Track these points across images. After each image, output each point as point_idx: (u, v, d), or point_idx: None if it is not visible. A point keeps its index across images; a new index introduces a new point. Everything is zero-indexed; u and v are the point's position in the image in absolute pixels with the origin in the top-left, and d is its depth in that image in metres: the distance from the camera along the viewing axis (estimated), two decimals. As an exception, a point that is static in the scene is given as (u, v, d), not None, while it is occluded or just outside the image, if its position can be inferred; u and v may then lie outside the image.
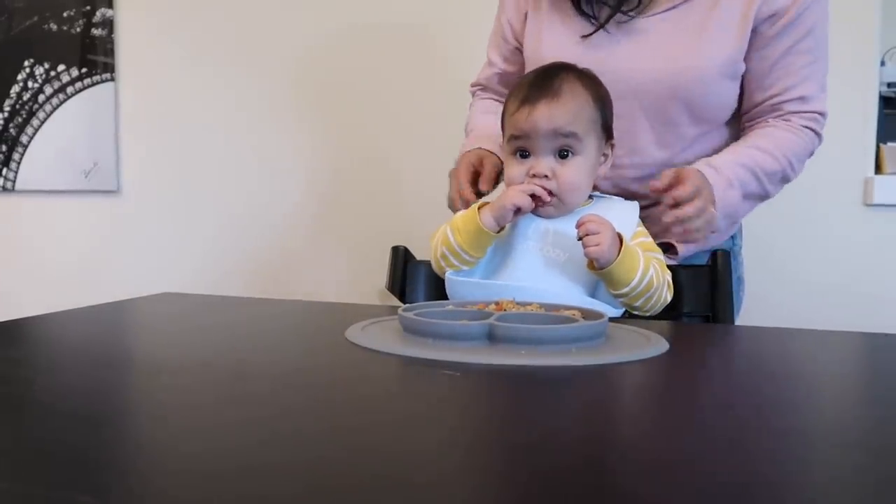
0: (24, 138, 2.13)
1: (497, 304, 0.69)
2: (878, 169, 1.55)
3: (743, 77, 0.97)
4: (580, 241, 0.78)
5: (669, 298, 0.85)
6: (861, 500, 0.29)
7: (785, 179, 0.97)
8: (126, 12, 2.04)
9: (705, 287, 0.94)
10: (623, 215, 0.87)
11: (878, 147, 1.54)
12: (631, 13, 0.96)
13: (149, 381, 0.50)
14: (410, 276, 1.05)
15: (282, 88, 1.92)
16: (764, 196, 0.97)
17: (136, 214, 2.08)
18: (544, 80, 0.85)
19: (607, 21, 0.97)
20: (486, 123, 1.09)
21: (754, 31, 0.93)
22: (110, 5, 2.03)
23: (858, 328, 0.74)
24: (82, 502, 0.28)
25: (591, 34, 0.98)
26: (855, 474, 0.32)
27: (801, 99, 0.97)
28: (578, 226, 0.78)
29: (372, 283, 1.46)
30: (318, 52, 1.87)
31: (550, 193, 0.83)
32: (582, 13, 0.99)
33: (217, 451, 0.34)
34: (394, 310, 0.71)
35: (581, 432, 0.38)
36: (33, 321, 0.72)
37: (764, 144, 0.95)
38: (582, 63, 0.92)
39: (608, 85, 0.92)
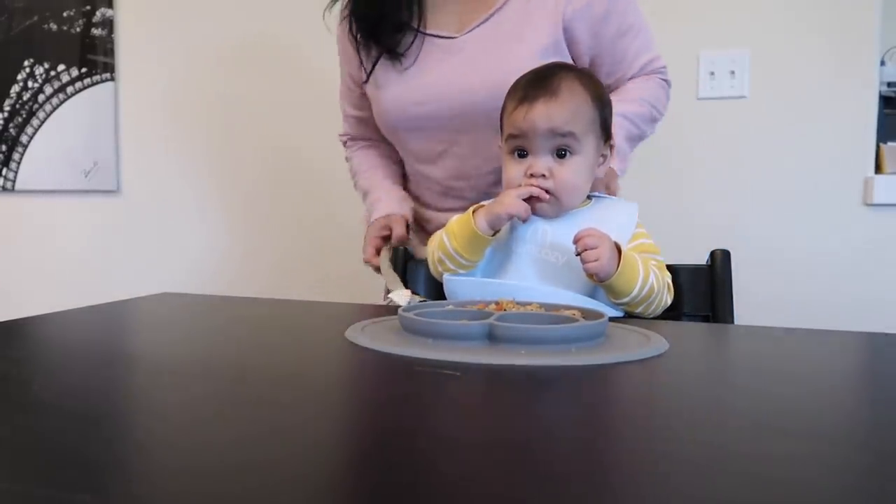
0: (24, 138, 2.13)
1: (497, 303, 0.68)
2: (878, 168, 1.55)
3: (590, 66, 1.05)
4: (578, 257, 0.77)
5: (670, 301, 0.85)
6: (861, 500, 0.29)
7: (654, 120, 1.08)
8: (126, 12, 2.04)
9: (705, 287, 0.94)
10: (622, 217, 0.87)
11: (878, 147, 1.55)
12: (448, 36, 1.03)
13: (148, 381, 0.50)
14: (411, 276, 1.05)
15: (283, 87, 1.92)
16: (642, 136, 1.07)
17: (136, 214, 2.08)
18: (542, 80, 0.85)
19: (386, 53, 1.05)
20: (386, 184, 1.15)
21: (573, 27, 1.00)
22: (110, 5, 2.03)
23: (858, 328, 0.74)
24: (82, 502, 0.28)
25: (369, 75, 1.07)
26: (855, 473, 0.32)
27: (645, 65, 1.06)
28: (576, 241, 0.77)
29: (372, 283, 1.46)
30: (317, 51, 1.87)
31: (548, 193, 0.83)
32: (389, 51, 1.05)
33: (217, 451, 0.34)
34: (394, 310, 0.71)
35: (581, 432, 0.38)
36: (33, 321, 0.72)
37: (630, 96, 1.04)
38: (411, 90, 1.02)
39: (445, 106, 1.01)
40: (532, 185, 0.83)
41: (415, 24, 1.04)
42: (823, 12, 1.52)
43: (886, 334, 0.69)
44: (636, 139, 1.07)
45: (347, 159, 1.25)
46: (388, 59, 1.06)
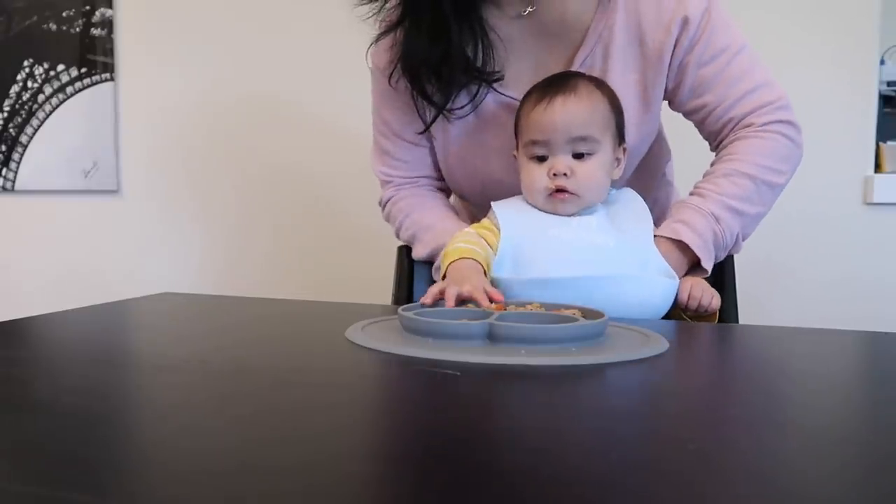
0: (23, 138, 2.13)
1: (497, 304, 0.68)
2: (878, 167, 1.55)
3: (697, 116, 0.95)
4: (697, 309, 0.82)
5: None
6: (861, 498, 0.29)
7: (770, 186, 0.92)
8: (126, 12, 2.04)
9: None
10: (639, 202, 0.89)
11: (877, 146, 1.55)
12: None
13: (149, 381, 0.50)
14: (417, 275, 1.05)
15: (283, 86, 1.92)
16: (756, 217, 0.93)
17: (136, 214, 2.08)
18: (559, 80, 0.86)
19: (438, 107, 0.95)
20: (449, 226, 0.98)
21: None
22: (110, 5, 2.03)
23: (859, 327, 0.74)
24: (82, 502, 0.28)
25: (427, 127, 0.98)
26: (856, 472, 0.32)
27: (751, 100, 0.92)
28: (687, 306, 0.82)
29: (372, 283, 1.46)
30: (318, 48, 1.87)
31: (569, 192, 0.83)
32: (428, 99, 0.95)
33: (217, 451, 0.34)
34: (394, 310, 0.71)
35: (581, 432, 0.38)
36: (33, 321, 0.72)
37: (722, 168, 0.91)
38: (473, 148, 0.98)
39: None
40: (556, 185, 0.83)
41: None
42: (823, 12, 1.52)
43: (887, 333, 0.69)
44: (726, 233, 0.88)
45: (396, 211, 1.04)
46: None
